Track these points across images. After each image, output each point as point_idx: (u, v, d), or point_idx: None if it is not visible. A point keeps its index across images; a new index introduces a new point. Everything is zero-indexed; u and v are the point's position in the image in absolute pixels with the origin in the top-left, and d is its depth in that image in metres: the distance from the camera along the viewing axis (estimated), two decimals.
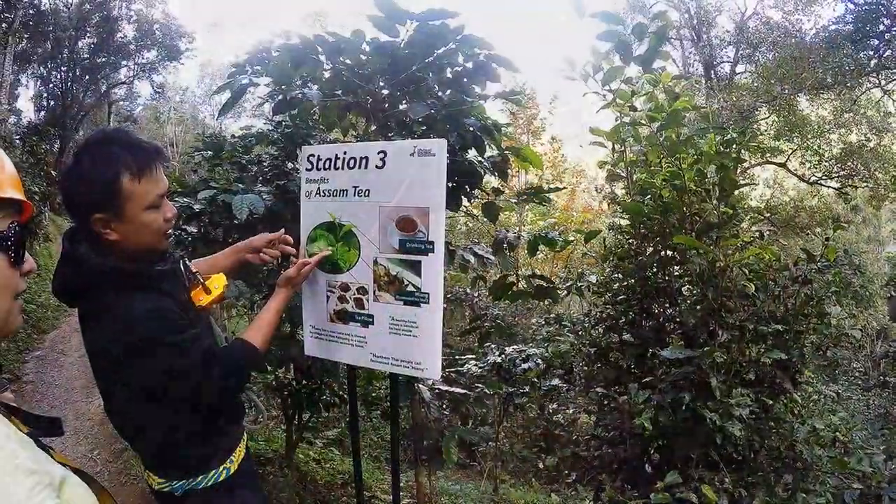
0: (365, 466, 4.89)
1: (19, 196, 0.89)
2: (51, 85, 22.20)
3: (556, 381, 3.89)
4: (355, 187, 1.99)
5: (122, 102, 25.71)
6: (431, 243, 1.89)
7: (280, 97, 2.47)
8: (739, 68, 18.92)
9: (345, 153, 2.02)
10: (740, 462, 3.09)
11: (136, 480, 4.08)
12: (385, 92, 2.65)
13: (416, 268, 1.92)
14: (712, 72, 18.38)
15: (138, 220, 1.49)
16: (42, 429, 0.93)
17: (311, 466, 4.23)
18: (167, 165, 1.65)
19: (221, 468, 1.71)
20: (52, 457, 0.86)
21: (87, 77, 21.98)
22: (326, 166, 2.05)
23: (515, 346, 4.07)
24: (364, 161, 1.98)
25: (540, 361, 3.91)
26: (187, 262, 1.76)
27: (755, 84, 15.90)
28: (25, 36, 18.60)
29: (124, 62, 22.86)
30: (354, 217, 2.00)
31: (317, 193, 2.08)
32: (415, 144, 1.91)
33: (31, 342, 8.06)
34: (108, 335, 1.49)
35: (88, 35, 21.48)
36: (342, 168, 2.02)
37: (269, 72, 2.44)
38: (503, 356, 3.56)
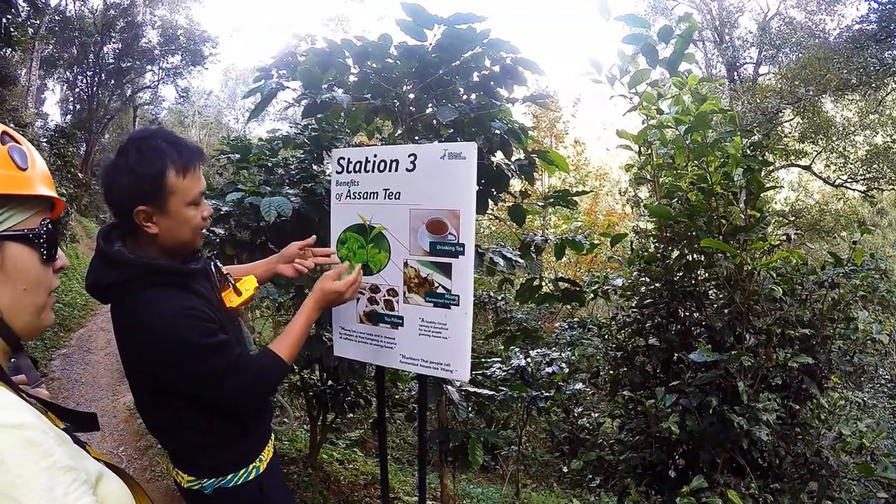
0: (391, 466, 4.92)
1: (51, 193, 0.90)
2: (77, 89, 22.65)
3: (579, 386, 3.87)
4: (386, 190, 2.01)
5: (147, 106, 26.17)
6: (462, 245, 1.89)
7: (309, 101, 2.49)
8: (763, 69, 18.70)
9: (375, 156, 2.04)
10: (765, 469, 3.05)
11: (160, 477, 4.13)
12: (412, 95, 2.67)
13: (446, 270, 1.93)
14: (735, 73, 18.15)
15: (180, 214, 1.52)
16: (78, 424, 0.94)
17: (335, 467, 4.26)
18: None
19: (251, 467, 1.72)
20: (88, 453, 0.88)
21: (113, 81, 22.41)
22: (356, 169, 2.07)
23: (539, 350, 4.06)
24: (394, 164, 1.99)
25: (564, 365, 3.89)
26: (218, 263, 1.79)
27: (779, 85, 15.69)
28: (51, 41, 18.99)
29: (149, 67, 23.31)
30: (385, 219, 2.01)
31: (347, 196, 2.10)
32: (445, 148, 1.91)
33: (58, 340, 8.23)
34: (137, 331, 1.50)
35: (113, 40, 21.89)
36: (372, 171, 2.04)
37: (300, 76, 2.46)
38: (529, 359, 3.56)
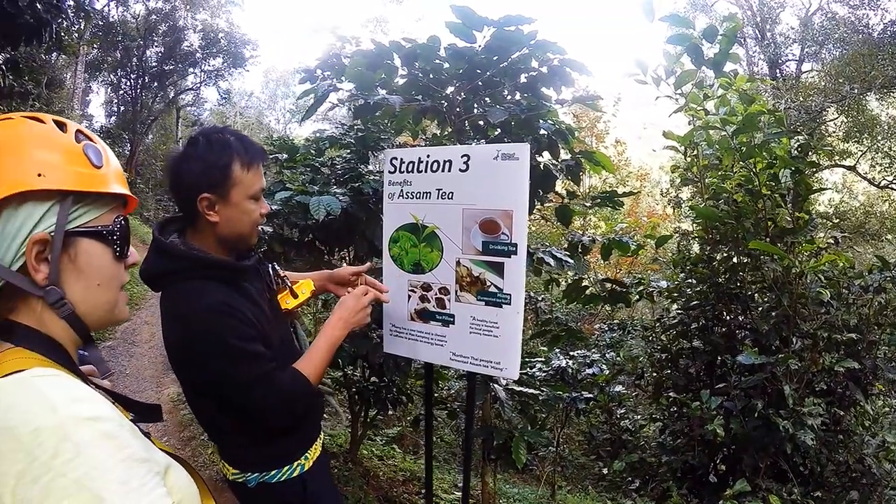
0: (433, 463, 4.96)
1: (124, 191, 0.92)
2: (121, 91, 23.34)
3: (619, 388, 3.85)
4: (439, 190, 2.04)
5: (189, 108, 26.79)
6: (514, 245, 1.92)
7: (361, 102, 2.53)
8: (805, 66, 18.18)
9: (428, 156, 2.07)
10: (806, 476, 3.01)
11: (203, 467, 4.23)
12: (460, 96, 2.69)
13: (498, 269, 1.95)
14: (777, 70, 17.69)
15: (241, 206, 1.57)
16: (142, 415, 0.97)
17: (374, 462, 4.32)
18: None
19: (295, 464, 1.73)
20: (153, 444, 0.89)
21: (156, 84, 23.03)
22: (409, 169, 2.11)
23: (579, 352, 4.05)
24: (448, 164, 2.02)
25: (604, 367, 3.88)
26: (276, 266, 1.83)
27: (822, 83, 15.25)
28: (95, 46, 19.60)
29: (191, 69, 23.84)
30: (437, 219, 2.05)
31: (399, 195, 2.14)
32: (498, 149, 1.94)
33: (104, 333, 8.46)
34: (176, 320, 1.53)
35: (156, 44, 22.49)
36: (425, 171, 2.07)
37: (352, 77, 2.51)
38: (573, 359, 3.55)
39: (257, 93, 37.53)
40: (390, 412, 3.78)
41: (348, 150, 3.46)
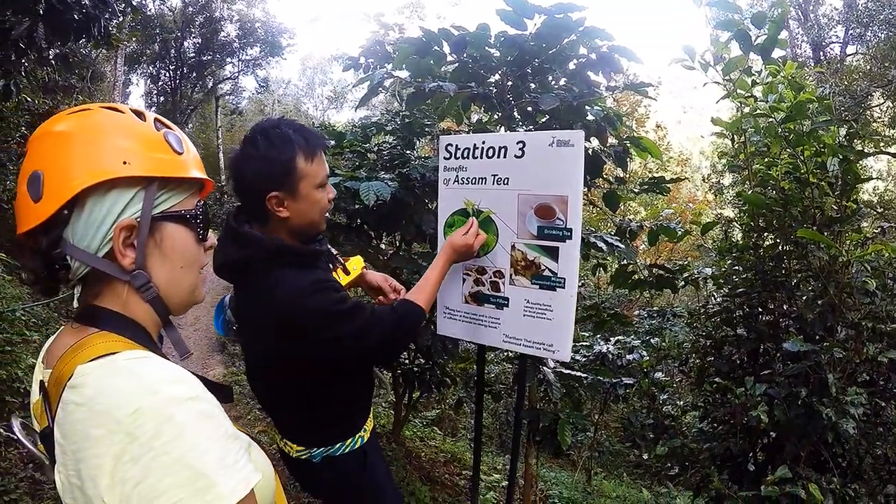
0: (468, 445, 5.05)
1: (203, 175, 0.94)
2: (160, 83, 23.87)
3: (659, 375, 3.86)
4: (494, 175, 2.08)
5: (228, 97, 27.19)
6: (570, 230, 1.95)
7: (416, 89, 2.59)
8: (850, 49, 17.54)
9: (483, 143, 2.11)
10: (844, 468, 3.00)
11: None
12: (509, 83, 2.73)
13: (553, 253, 1.99)
14: (821, 53, 17.13)
15: (310, 197, 1.61)
16: (215, 396, 1.00)
17: (416, 443, 4.42)
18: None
19: (357, 437, 1.82)
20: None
21: (194, 74, 23.49)
22: (465, 155, 2.16)
23: (619, 337, 4.07)
24: (503, 150, 2.06)
25: (644, 353, 3.89)
26: (329, 245, 1.90)
27: (867, 66, 14.71)
28: (135, 39, 20.04)
29: (229, 59, 24.24)
30: (493, 204, 2.09)
31: (455, 181, 2.19)
32: (553, 135, 1.97)
33: None
34: (271, 309, 1.56)
35: (193, 35, 22.92)
36: (481, 157, 2.12)
37: (408, 65, 2.56)
38: (617, 344, 3.58)
39: (295, 80, 38.04)
40: (436, 394, 3.86)
41: (394, 137, 3.52)
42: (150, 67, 23.80)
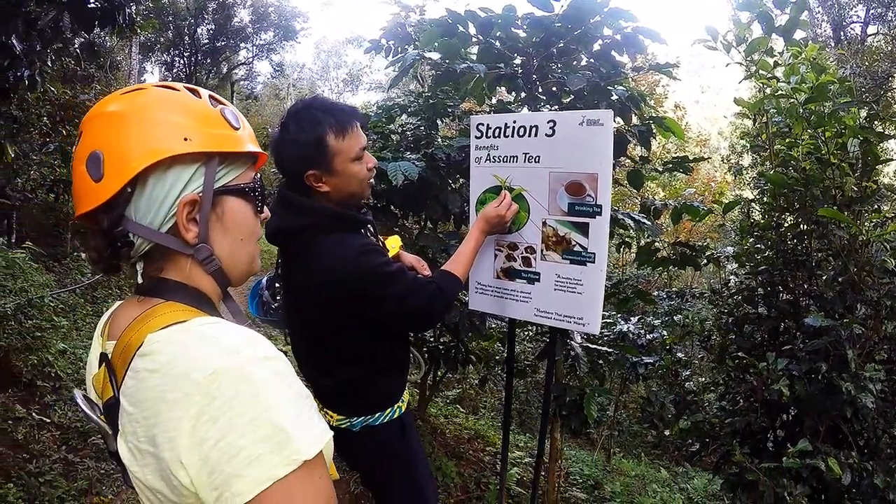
0: (491, 423, 5.16)
1: (258, 149, 0.96)
2: (174, 69, 23.92)
3: (680, 355, 3.91)
4: (525, 154, 2.13)
5: (243, 82, 27.22)
6: (599, 206, 2.01)
7: (444, 70, 2.64)
8: (871, 29, 17.21)
9: (514, 122, 2.16)
10: (861, 447, 3.06)
11: None
12: (535, 63, 2.76)
13: (583, 229, 2.05)
14: (842, 33, 16.82)
15: (346, 171, 1.70)
16: None
17: (441, 421, 4.52)
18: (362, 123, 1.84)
19: (395, 406, 1.89)
20: None
21: (209, 60, 23.53)
22: (496, 134, 2.21)
23: (638, 317, 4.12)
24: (534, 129, 2.11)
25: (664, 333, 3.94)
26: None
27: (889, 47, 14.45)
28: (154, 27, 20.10)
29: (243, 44, 24.26)
30: (524, 181, 2.14)
31: (486, 159, 2.24)
32: (584, 115, 2.01)
33: None
34: (325, 271, 1.67)
35: (206, 22, 22.91)
36: (512, 136, 2.17)
37: (439, 47, 2.61)
38: (637, 323, 3.63)
39: (309, 64, 37.96)
40: (462, 372, 3.94)
41: (417, 118, 3.57)
42: (165, 55, 23.85)
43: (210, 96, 0.92)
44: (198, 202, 0.86)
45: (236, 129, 0.91)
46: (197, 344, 0.76)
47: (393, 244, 2.11)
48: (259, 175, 0.98)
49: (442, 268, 1.90)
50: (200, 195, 0.86)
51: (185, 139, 0.84)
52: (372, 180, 1.82)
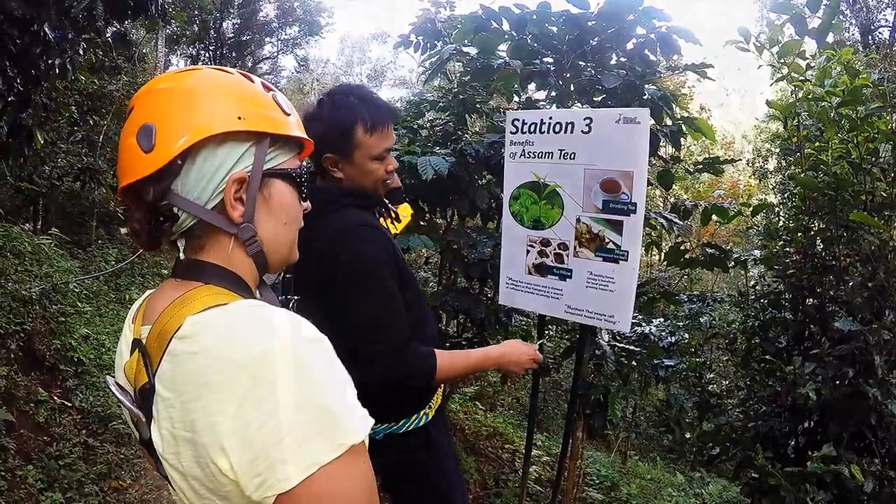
0: (507, 422, 5.17)
1: (305, 136, 0.96)
2: (200, 63, 24.20)
3: (700, 359, 3.90)
4: (561, 150, 2.14)
5: (267, 76, 27.35)
6: (634, 204, 2.01)
7: (481, 65, 2.66)
8: None
9: (550, 118, 2.18)
10: (883, 455, 3.03)
11: None
12: (568, 61, 2.77)
13: (617, 227, 2.06)
14: (870, 37, 16.55)
15: (364, 167, 1.66)
16: None
17: (460, 417, 4.55)
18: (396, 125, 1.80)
19: (421, 414, 1.80)
20: None
21: (234, 54, 23.72)
22: (532, 130, 2.22)
23: (659, 319, 4.11)
24: (570, 126, 2.12)
25: (686, 336, 3.93)
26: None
27: None
28: (184, 20, 20.32)
29: (268, 39, 24.46)
30: (559, 177, 2.16)
31: (521, 155, 2.26)
32: (620, 113, 2.02)
33: None
34: (322, 244, 1.56)
35: (232, 16, 23.14)
36: (547, 132, 2.18)
37: (475, 42, 2.63)
38: (660, 326, 3.62)
39: (333, 59, 38.04)
40: None
41: (446, 113, 3.58)
42: (190, 48, 24.10)
43: (262, 83, 0.93)
44: (246, 181, 0.86)
45: (287, 114, 0.92)
46: (242, 325, 0.75)
47: (404, 212, 2.08)
48: (304, 163, 0.99)
49: (437, 351, 1.68)
50: (249, 174, 0.86)
51: (239, 118, 0.84)
52: (389, 181, 1.75)
